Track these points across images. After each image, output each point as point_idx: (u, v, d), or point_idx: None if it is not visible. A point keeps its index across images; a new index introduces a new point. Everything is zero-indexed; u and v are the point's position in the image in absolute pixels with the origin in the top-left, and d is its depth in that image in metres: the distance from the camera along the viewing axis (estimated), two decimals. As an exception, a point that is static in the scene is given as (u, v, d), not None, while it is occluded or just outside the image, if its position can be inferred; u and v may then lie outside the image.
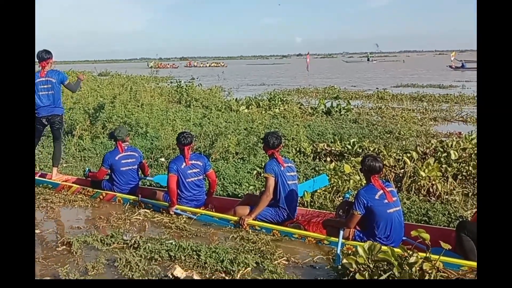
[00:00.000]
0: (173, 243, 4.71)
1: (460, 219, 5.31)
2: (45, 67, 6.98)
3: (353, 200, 4.85)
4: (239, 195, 6.49)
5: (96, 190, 6.63)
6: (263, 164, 5.82)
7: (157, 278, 3.97)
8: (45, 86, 6.92)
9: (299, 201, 5.74)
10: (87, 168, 7.28)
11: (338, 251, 4.42)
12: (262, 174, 5.76)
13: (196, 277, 3.68)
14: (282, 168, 5.40)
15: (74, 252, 4.63)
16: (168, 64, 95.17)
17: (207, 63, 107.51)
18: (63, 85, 7.19)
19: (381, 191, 4.60)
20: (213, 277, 4.06)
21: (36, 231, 5.37)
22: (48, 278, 4.06)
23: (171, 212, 5.81)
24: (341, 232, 4.66)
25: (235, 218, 5.43)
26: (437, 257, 3.61)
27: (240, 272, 4.12)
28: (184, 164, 5.88)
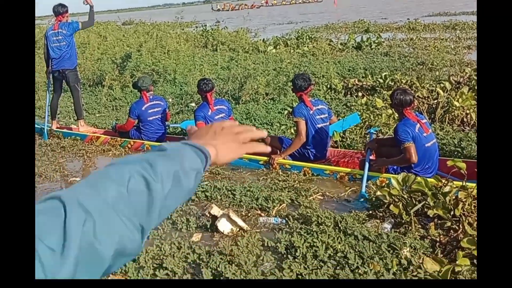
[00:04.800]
0: (208, 184, 4.82)
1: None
2: (61, 21, 7.05)
3: (378, 136, 4.76)
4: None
5: (124, 139, 6.75)
6: (294, 105, 5.79)
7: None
8: (56, 38, 7.02)
9: (330, 141, 5.71)
10: (114, 122, 7.42)
11: (363, 189, 4.45)
12: (292, 119, 5.75)
13: (232, 214, 3.77)
14: (310, 112, 5.33)
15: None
16: (244, 4, 79.46)
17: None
18: (79, 30, 7.35)
19: (418, 124, 4.48)
20: (249, 214, 4.17)
21: (77, 179, 5.58)
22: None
23: None
24: (367, 165, 4.66)
25: (265, 158, 5.48)
26: (473, 185, 3.58)
27: (276, 208, 4.21)
28: (210, 110, 5.91)
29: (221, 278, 3.02)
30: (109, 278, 3.11)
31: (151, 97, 6.72)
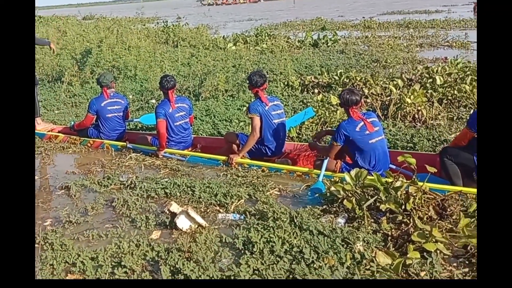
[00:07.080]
0: (168, 181, 4.85)
1: (445, 144, 5.45)
2: None
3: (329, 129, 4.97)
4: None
5: (83, 138, 6.69)
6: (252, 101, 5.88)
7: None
8: None
9: (286, 136, 5.83)
10: (72, 122, 7.33)
11: (320, 179, 4.62)
12: (247, 115, 5.85)
13: (191, 211, 3.83)
14: (266, 108, 5.44)
15: (73, 195, 4.78)
16: None
17: None
18: None
19: (362, 123, 4.68)
20: (208, 210, 4.23)
21: (35, 177, 5.51)
22: (50, 221, 4.24)
23: (160, 156, 5.92)
24: (325, 161, 4.84)
25: (224, 157, 5.55)
26: (422, 183, 3.76)
27: (234, 204, 4.29)
28: (171, 108, 5.93)
29: (180, 275, 3.07)
30: (67, 277, 3.13)
31: (111, 94, 6.67)
